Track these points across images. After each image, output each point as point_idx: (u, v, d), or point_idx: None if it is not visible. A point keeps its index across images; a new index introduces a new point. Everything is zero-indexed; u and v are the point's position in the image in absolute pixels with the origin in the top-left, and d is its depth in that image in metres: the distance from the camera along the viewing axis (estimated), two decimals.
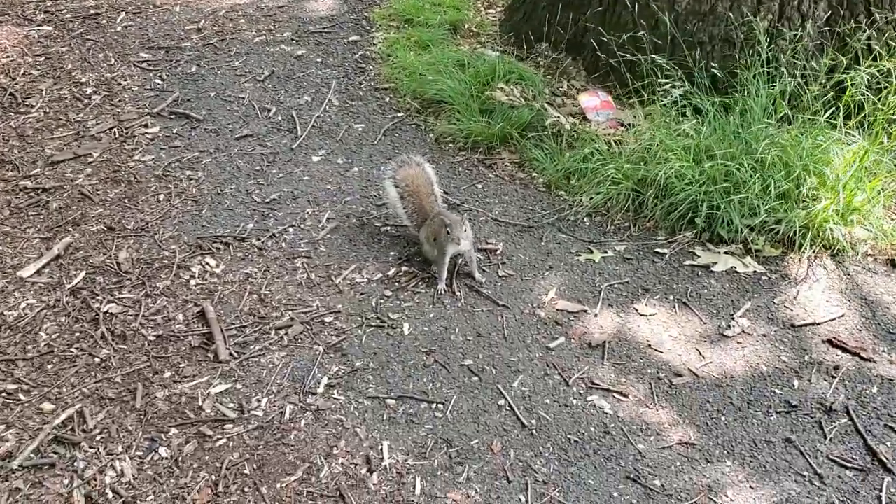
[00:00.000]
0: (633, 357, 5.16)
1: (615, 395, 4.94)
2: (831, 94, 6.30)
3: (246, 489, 4.50)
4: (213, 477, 4.58)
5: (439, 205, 6.02)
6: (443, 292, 5.53)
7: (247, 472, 4.61)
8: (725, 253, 5.83)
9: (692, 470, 4.51)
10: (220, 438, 4.79)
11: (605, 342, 5.24)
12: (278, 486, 4.52)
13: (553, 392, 4.96)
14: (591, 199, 6.27)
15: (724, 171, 5.92)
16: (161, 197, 6.79)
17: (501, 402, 4.92)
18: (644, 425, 4.76)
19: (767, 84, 6.33)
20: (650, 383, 5.00)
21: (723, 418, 4.78)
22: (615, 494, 4.40)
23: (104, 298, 5.76)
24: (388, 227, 6.30)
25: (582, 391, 4.96)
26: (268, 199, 6.67)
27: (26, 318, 5.62)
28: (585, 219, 6.25)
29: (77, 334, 5.51)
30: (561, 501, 4.39)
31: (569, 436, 4.71)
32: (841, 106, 6.18)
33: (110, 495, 4.52)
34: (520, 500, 4.40)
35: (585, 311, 5.47)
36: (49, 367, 5.29)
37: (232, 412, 4.94)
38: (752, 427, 4.72)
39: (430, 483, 4.50)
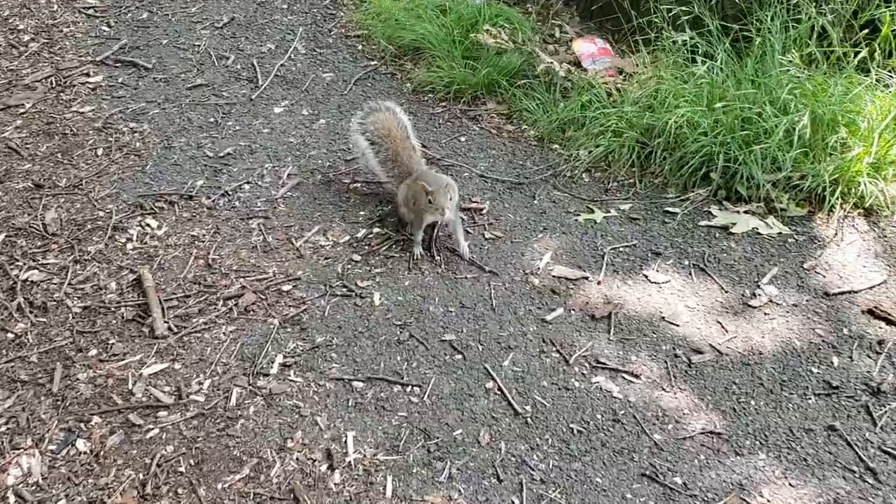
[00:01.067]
0: (645, 331, 4.37)
1: (625, 375, 4.15)
2: (863, 34, 5.48)
3: (180, 490, 3.68)
4: (141, 475, 3.76)
5: (417, 157, 5.23)
6: (419, 257, 4.82)
7: (182, 469, 3.79)
8: (745, 212, 5.05)
9: (719, 465, 3.74)
10: (152, 429, 3.97)
11: (610, 314, 4.45)
12: (219, 486, 3.71)
13: (551, 373, 4.16)
14: (589, 152, 5.48)
15: (742, 118, 5.12)
16: (99, 151, 5.92)
17: (490, 384, 4.12)
18: (660, 412, 3.98)
19: (789, 23, 5.51)
20: (665, 362, 4.22)
21: (752, 403, 4.00)
22: (628, 496, 3.63)
23: (25, 264, 4.89)
24: (359, 185, 5.47)
25: (585, 371, 4.17)
26: (221, 154, 5.82)
27: None
28: (584, 175, 5.45)
29: None
30: None
31: (571, 425, 3.92)
32: (876, 47, 5.38)
33: (12, 499, 3.68)
34: (513, 502, 3.61)
35: (587, 277, 4.67)
36: None
37: (167, 397, 4.11)
38: (788, 413, 3.95)
39: (404, 483, 3.70)
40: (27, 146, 6.04)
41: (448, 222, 4.75)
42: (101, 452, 3.88)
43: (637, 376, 4.16)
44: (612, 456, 3.81)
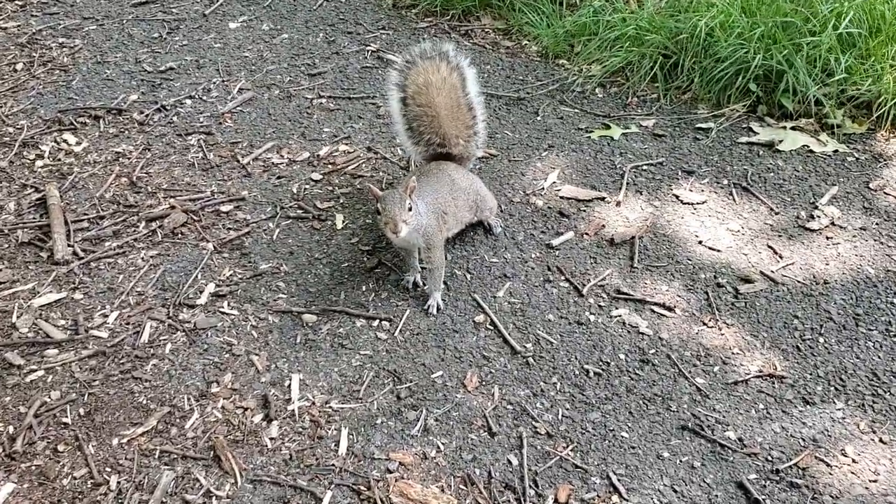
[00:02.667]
0: (678, 257, 3.42)
1: (654, 308, 3.20)
2: None
3: (61, 447, 2.71)
4: (11, 428, 2.77)
5: (474, 136, 3.62)
6: (415, 286, 3.39)
7: (67, 420, 2.81)
8: (792, 129, 4.08)
9: (784, 416, 2.78)
10: (35, 370, 3.00)
11: (633, 238, 3.49)
12: (115, 441, 2.73)
13: (558, 305, 3.20)
14: (603, 65, 4.50)
15: (785, 16, 4.19)
16: (19, 66, 4.95)
17: (479, 317, 3.16)
18: (702, 351, 3.02)
19: None
20: (705, 292, 3.26)
21: (821, 340, 3.05)
22: (665, 454, 2.66)
23: None
24: (324, 100, 4.51)
25: (603, 303, 3.21)
26: (162, 69, 4.85)
27: None
28: (597, 90, 4.50)
29: None
30: (578, 465, 2.63)
31: (585, 366, 2.96)
32: None
33: None
34: (508, 462, 2.65)
35: (603, 198, 3.72)
36: None
37: (60, 332, 3.14)
38: (869, 353, 3.00)
39: (364, 437, 2.73)
40: None
41: (413, 246, 3.26)
42: None
43: (670, 309, 3.20)
44: (641, 404, 2.85)
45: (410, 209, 3.02)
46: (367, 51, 5.01)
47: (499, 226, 3.60)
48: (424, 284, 3.35)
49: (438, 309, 3.22)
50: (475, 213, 3.46)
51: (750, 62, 4.20)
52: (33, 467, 2.69)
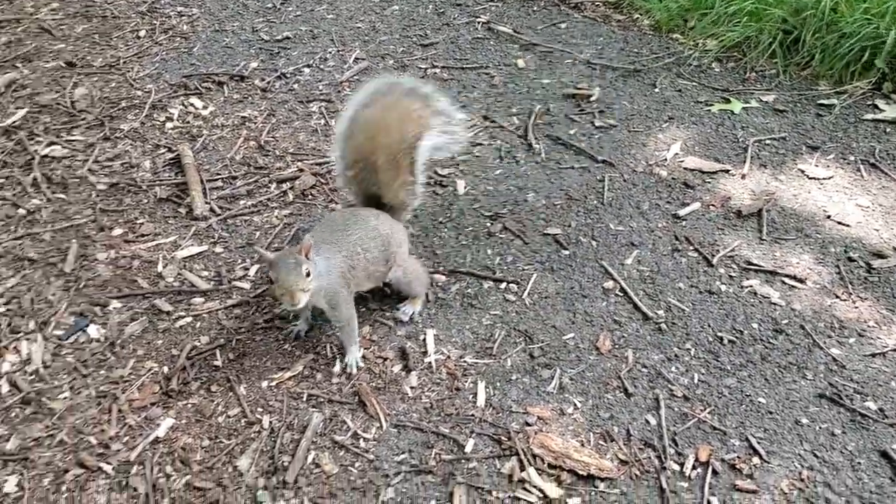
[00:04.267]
0: (806, 231, 3.40)
1: (785, 279, 3.19)
2: None
3: (214, 387, 2.84)
4: (166, 369, 2.91)
5: (414, 183, 3.19)
6: (297, 337, 3.08)
7: (218, 362, 2.94)
8: None
9: None
10: (183, 317, 3.13)
11: (760, 210, 3.48)
12: (264, 384, 2.85)
13: (688, 273, 3.22)
14: (720, 40, 4.47)
15: None
16: (142, 33, 5.13)
17: (608, 283, 3.19)
18: (836, 322, 3.01)
19: None
20: (837, 266, 3.24)
21: None
22: (804, 420, 2.67)
23: (46, 140, 4.10)
24: (438, 70, 4.57)
25: (734, 274, 3.21)
26: (278, 38, 4.98)
27: None
28: (714, 64, 4.48)
29: (1, 181, 3.85)
30: (716, 427, 2.65)
31: (719, 333, 2.97)
32: None
33: (5, 388, 2.89)
34: (646, 422, 2.68)
35: (727, 170, 3.72)
36: None
37: (205, 283, 3.28)
38: None
39: (501, 391, 2.79)
40: (61, 27, 5.30)
41: (332, 317, 2.92)
42: (118, 341, 3.06)
43: (802, 281, 3.19)
44: (777, 372, 2.85)
45: (308, 274, 2.64)
46: (478, 22, 5.06)
47: (409, 315, 3.11)
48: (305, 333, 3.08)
49: (358, 366, 2.92)
50: (388, 267, 3.02)
51: (877, 38, 4.12)
52: (189, 405, 2.82)
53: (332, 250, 2.84)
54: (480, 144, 4.03)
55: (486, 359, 2.96)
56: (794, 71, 4.39)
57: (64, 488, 2.59)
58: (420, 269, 3.11)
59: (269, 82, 4.57)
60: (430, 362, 2.95)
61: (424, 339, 3.03)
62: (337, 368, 2.93)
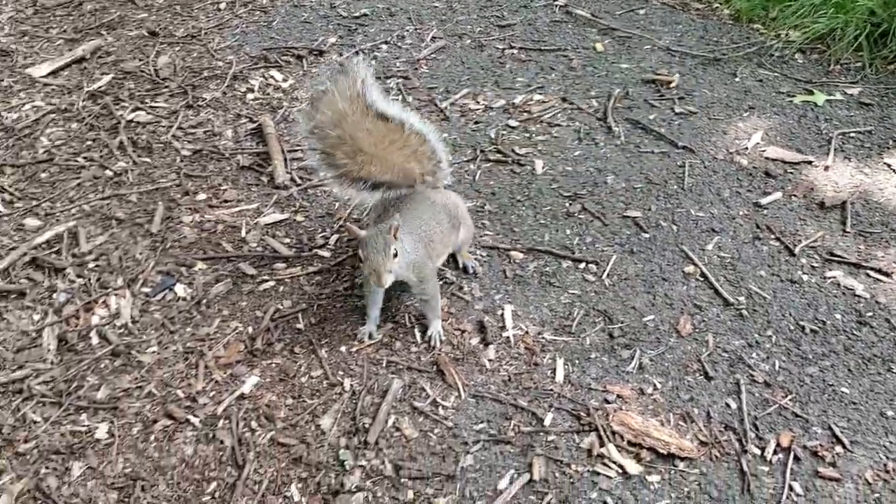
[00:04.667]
0: (892, 225, 3.36)
1: (870, 272, 3.15)
2: None
3: (297, 349, 2.90)
4: (251, 329, 2.98)
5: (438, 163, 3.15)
6: (368, 338, 2.99)
7: (300, 325, 2.99)
8: None
9: None
10: (267, 281, 3.20)
11: (844, 202, 3.44)
12: (344, 349, 2.89)
13: (770, 262, 3.20)
14: (803, 31, 4.40)
15: None
16: (222, 6, 5.22)
17: (689, 268, 3.18)
18: None
19: None
20: None
21: None
22: (889, 413, 2.64)
23: (131, 106, 4.20)
24: (515, 51, 4.57)
25: (816, 264, 3.18)
26: (356, 14, 5.03)
27: (26, 121, 4.11)
28: (797, 55, 4.42)
29: (88, 143, 3.98)
30: (798, 414, 2.64)
31: (801, 322, 2.95)
32: None
33: (95, 340, 2.97)
34: (727, 405, 2.68)
35: (810, 161, 3.67)
36: (44, 175, 3.78)
37: (287, 249, 3.33)
38: None
39: (580, 368, 2.80)
40: None
41: (419, 291, 2.91)
42: (204, 300, 3.14)
43: (887, 274, 3.15)
44: (860, 363, 2.82)
45: (396, 255, 2.68)
46: (556, 5, 5.06)
47: (475, 265, 3.23)
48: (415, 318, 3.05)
49: (441, 340, 2.93)
50: (456, 231, 3.09)
51: None
52: (273, 364, 2.89)
53: (412, 227, 2.88)
54: (559, 125, 4.03)
55: (565, 336, 2.97)
56: (880, 65, 4.31)
57: (152, 437, 2.67)
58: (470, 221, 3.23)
59: (347, 57, 4.61)
60: (507, 337, 2.98)
61: (502, 314, 3.06)
62: (418, 338, 2.96)
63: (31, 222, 3.56)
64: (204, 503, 2.47)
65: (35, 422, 2.72)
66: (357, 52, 4.66)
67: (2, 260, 3.32)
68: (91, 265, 3.33)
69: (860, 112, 4.01)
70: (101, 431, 2.69)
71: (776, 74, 4.31)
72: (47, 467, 2.59)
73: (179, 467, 2.57)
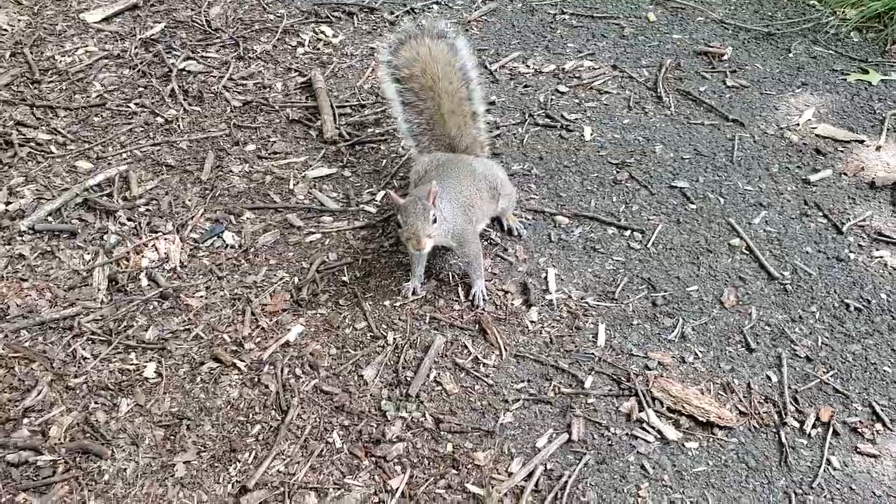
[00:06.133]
0: None
1: None
2: None
3: (342, 301, 2.94)
4: (297, 279, 3.02)
5: (475, 124, 3.34)
6: (413, 294, 3.02)
7: (346, 278, 3.03)
8: None
9: None
10: (313, 233, 3.24)
11: (895, 183, 3.38)
12: (388, 303, 2.93)
13: (816, 239, 3.18)
14: (860, 10, 4.32)
15: None
16: None
17: (735, 241, 3.18)
18: None
19: None
20: None
21: None
22: None
23: (183, 55, 4.23)
24: (567, 17, 4.54)
25: (863, 243, 3.16)
26: None
27: (80, 65, 4.16)
28: (853, 33, 4.34)
29: (140, 89, 4.02)
30: (838, 390, 2.64)
31: (846, 300, 2.94)
32: None
33: (144, 282, 3.03)
34: (767, 378, 2.69)
35: (861, 141, 3.63)
36: (97, 119, 3.83)
37: (334, 203, 3.37)
38: None
39: (621, 333, 2.82)
40: None
41: (461, 253, 2.95)
42: (252, 249, 3.18)
43: None
44: None
45: (435, 220, 2.71)
46: None
47: (520, 227, 3.25)
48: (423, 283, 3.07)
49: (484, 299, 2.96)
50: (496, 201, 3.14)
51: None
52: (318, 315, 2.93)
53: (453, 193, 2.92)
54: (608, 93, 4.01)
55: (608, 302, 2.98)
56: None
57: (199, 379, 2.74)
58: (513, 188, 3.28)
59: (397, 16, 4.61)
60: (550, 300, 3.00)
61: (546, 277, 3.08)
62: (461, 297, 2.99)
63: (83, 165, 3.62)
64: (248, 444, 2.53)
65: (85, 358, 2.79)
66: (408, 11, 4.64)
67: (55, 200, 3.38)
68: (142, 209, 3.38)
69: None
70: (150, 370, 2.76)
71: (830, 52, 4.25)
72: (96, 402, 2.65)
73: (225, 409, 2.63)
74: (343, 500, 2.37)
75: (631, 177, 3.52)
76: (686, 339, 2.85)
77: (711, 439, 2.54)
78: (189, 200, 3.41)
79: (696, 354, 2.79)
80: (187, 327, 2.90)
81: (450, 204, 2.85)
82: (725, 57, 4.20)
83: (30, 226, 3.27)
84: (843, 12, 4.49)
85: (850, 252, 3.16)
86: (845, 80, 4.04)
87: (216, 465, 2.47)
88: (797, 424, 2.58)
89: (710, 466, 2.47)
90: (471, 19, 4.57)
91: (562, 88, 4.04)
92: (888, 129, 3.72)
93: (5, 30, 4.45)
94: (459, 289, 3.03)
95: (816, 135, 3.71)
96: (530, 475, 2.45)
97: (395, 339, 2.84)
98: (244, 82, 4.12)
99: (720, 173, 3.52)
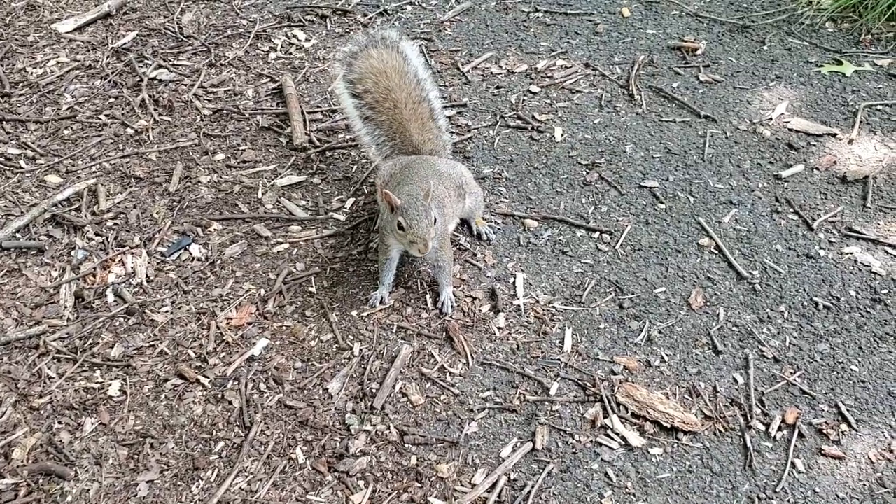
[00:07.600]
0: None
1: (888, 249, 3.11)
2: None
3: (308, 312, 2.93)
4: (263, 291, 3.01)
5: (437, 130, 3.33)
6: (380, 304, 2.98)
7: (312, 289, 3.02)
8: None
9: None
10: (281, 243, 3.22)
11: (867, 177, 3.38)
12: (355, 313, 2.92)
13: (786, 236, 3.16)
14: (835, 1, 4.29)
15: None
16: None
17: (704, 240, 3.16)
18: None
19: None
20: None
21: None
22: None
23: (154, 63, 4.21)
24: (540, 14, 4.51)
25: (833, 239, 3.14)
26: None
27: (51, 77, 4.14)
28: (828, 24, 4.31)
29: (111, 100, 4.01)
30: (805, 391, 2.63)
31: (814, 298, 2.92)
32: None
33: (110, 298, 3.02)
34: (734, 380, 2.67)
35: (834, 134, 3.60)
36: (67, 132, 3.82)
37: (302, 211, 3.35)
38: None
39: (588, 338, 2.81)
40: None
41: (435, 257, 2.88)
42: (219, 261, 3.18)
43: None
44: (872, 342, 2.80)
45: (435, 220, 2.69)
46: None
47: (489, 232, 3.21)
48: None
49: (452, 306, 2.92)
50: (463, 199, 3.12)
51: None
52: (284, 327, 2.92)
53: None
54: (581, 92, 3.98)
55: (575, 306, 2.97)
56: None
57: (163, 396, 2.73)
58: (480, 189, 3.27)
59: (370, 18, 4.59)
60: (518, 305, 2.98)
61: (514, 283, 3.06)
62: (429, 304, 2.98)
63: (52, 179, 3.61)
64: (211, 462, 2.52)
65: (50, 377, 2.79)
66: (381, 13, 4.61)
67: (23, 216, 3.37)
68: (109, 223, 3.37)
69: (889, 84, 3.92)
70: (114, 388, 2.75)
71: (805, 43, 4.22)
72: (60, 422, 2.65)
73: (188, 426, 2.63)
74: None
75: (601, 177, 3.50)
76: (652, 342, 2.83)
77: (676, 445, 2.53)
78: (157, 213, 3.40)
79: (663, 358, 2.78)
80: (152, 343, 2.90)
81: (433, 204, 2.82)
82: (699, 51, 4.17)
83: None
84: (818, 2, 4.46)
85: (821, 249, 3.14)
86: (819, 72, 4.02)
87: (179, 483, 2.47)
88: (763, 427, 2.57)
89: (673, 473, 2.46)
90: (444, 20, 4.54)
91: (534, 89, 4.02)
92: (861, 122, 3.69)
93: None
94: (428, 296, 3.02)
95: (789, 129, 3.68)
96: (493, 486, 2.44)
97: (361, 350, 2.83)
98: (215, 90, 4.10)
99: (691, 171, 3.50)
